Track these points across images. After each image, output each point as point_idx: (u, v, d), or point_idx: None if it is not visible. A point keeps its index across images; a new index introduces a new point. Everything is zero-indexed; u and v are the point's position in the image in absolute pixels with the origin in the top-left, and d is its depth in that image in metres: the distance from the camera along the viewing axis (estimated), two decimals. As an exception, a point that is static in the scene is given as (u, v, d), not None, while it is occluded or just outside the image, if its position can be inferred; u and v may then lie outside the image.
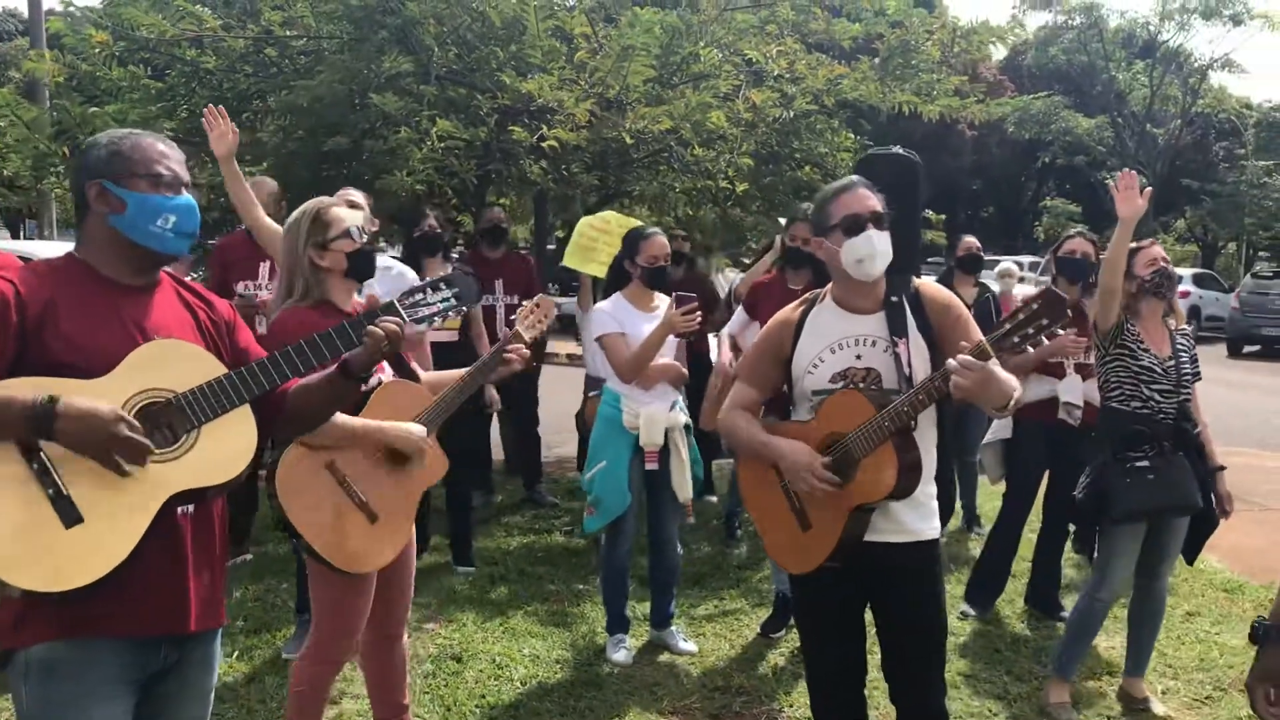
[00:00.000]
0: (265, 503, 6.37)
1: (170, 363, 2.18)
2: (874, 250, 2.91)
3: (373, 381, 3.25)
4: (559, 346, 13.28)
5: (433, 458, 3.38)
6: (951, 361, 2.62)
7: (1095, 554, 4.36)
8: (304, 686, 3.39)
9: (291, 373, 2.29)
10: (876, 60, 7.83)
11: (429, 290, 2.46)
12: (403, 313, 2.40)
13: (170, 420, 2.15)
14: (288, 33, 7.22)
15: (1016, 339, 2.62)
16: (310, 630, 3.40)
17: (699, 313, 4.50)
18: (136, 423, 2.06)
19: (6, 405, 1.98)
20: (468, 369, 3.54)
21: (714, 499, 7.30)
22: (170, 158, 2.29)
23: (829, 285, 3.10)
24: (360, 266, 3.34)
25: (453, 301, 2.47)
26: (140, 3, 7.00)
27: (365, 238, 3.36)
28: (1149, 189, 4.18)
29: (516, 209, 10.11)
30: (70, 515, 2.03)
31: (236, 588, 5.31)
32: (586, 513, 4.78)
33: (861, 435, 2.81)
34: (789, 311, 3.14)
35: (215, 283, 5.68)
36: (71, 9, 8.00)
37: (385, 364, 3.33)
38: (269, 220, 4.56)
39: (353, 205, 4.49)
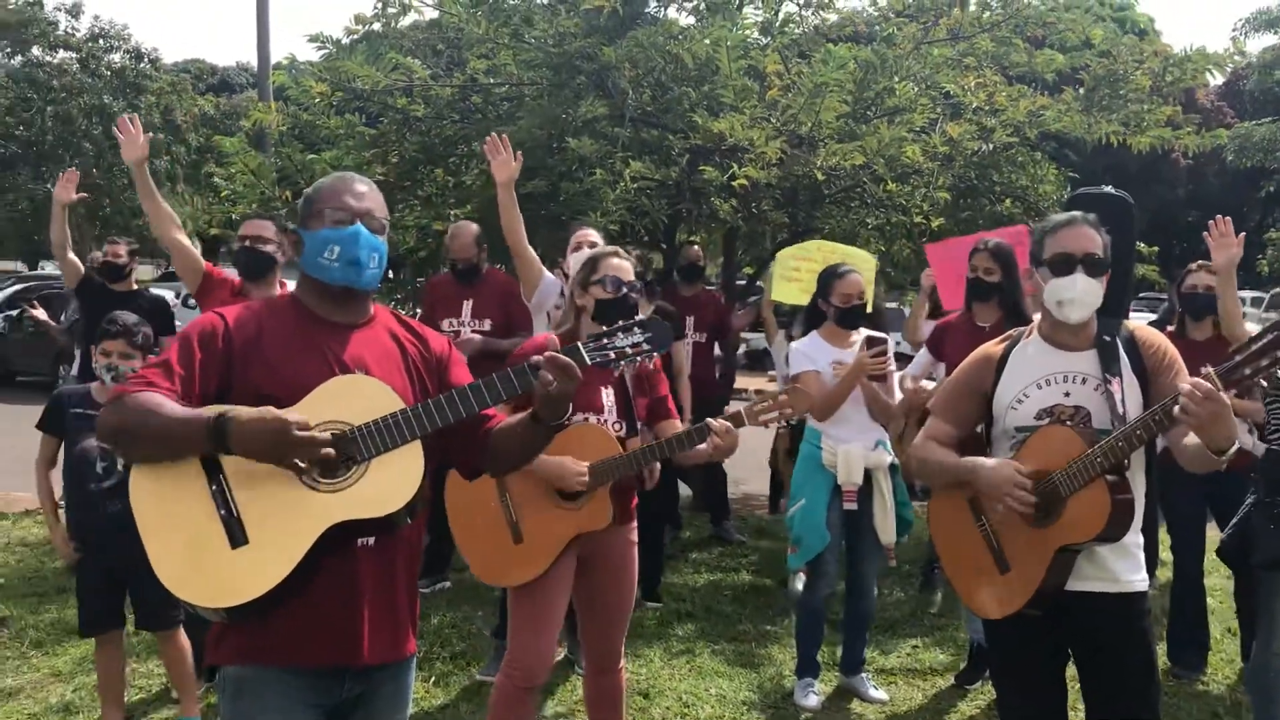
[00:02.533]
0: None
1: (354, 397, 2.24)
2: (1076, 295, 2.80)
3: (576, 419, 3.31)
4: (746, 382, 13.24)
5: (597, 506, 3.42)
6: (1184, 385, 2.47)
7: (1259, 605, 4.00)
8: (499, 704, 3.52)
9: (465, 412, 2.28)
10: (1081, 91, 7.55)
11: (620, 333, 2.40)
12: (585, 354, 2.35)
13: (344, 452, 2.20)
14: (491, 80, 7.52)
15: (1248, 371, 2.46)
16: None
17: (889, 355, 4.42)
18: (307, 423, 2.11)
19: (191, 420, 2.11)
20: (667, 438, 3.48)
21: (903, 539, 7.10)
22: (346, 192, 2.37)
23: (1035, 320, 3.00)
24: (607, 315, 3.43)
25: (645, 346, 2.39)
26: (356, 56, 7.43)
27: (623, 292, 3.48)
28: (1243, 234, 3.95)
29: (706, 247, 10.18)
30: (238, 537, 2.14)
31: (435, 614, 5.49)
32: (790, 550, 4.74)
33: (1070, 472, 2.69)
34: (991, 346, 3.05)
35: (425, 319, 5.97)
36: (295, 63, 8.55)
37: (608, 404, 3.48)
38: (531, 250, 4.74)
39: (593, 247, 4.64)
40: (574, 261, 4.66)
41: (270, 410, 2.10)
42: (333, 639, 2.24)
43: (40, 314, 7.27)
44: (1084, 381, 2.85)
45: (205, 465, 2.15)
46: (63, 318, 8.20)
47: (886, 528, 4.58)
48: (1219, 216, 3.90)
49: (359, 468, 2.21)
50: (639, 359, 2.43)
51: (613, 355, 2.38)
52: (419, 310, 7.16)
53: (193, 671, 4.18)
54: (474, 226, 5.96)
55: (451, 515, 3.53)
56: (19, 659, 4.99)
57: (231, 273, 4.88)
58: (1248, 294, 25.08)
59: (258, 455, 2.11)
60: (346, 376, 2.28)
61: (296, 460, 2.11)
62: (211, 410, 2.12)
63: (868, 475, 4.56)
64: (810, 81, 6.55)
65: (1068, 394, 2.86)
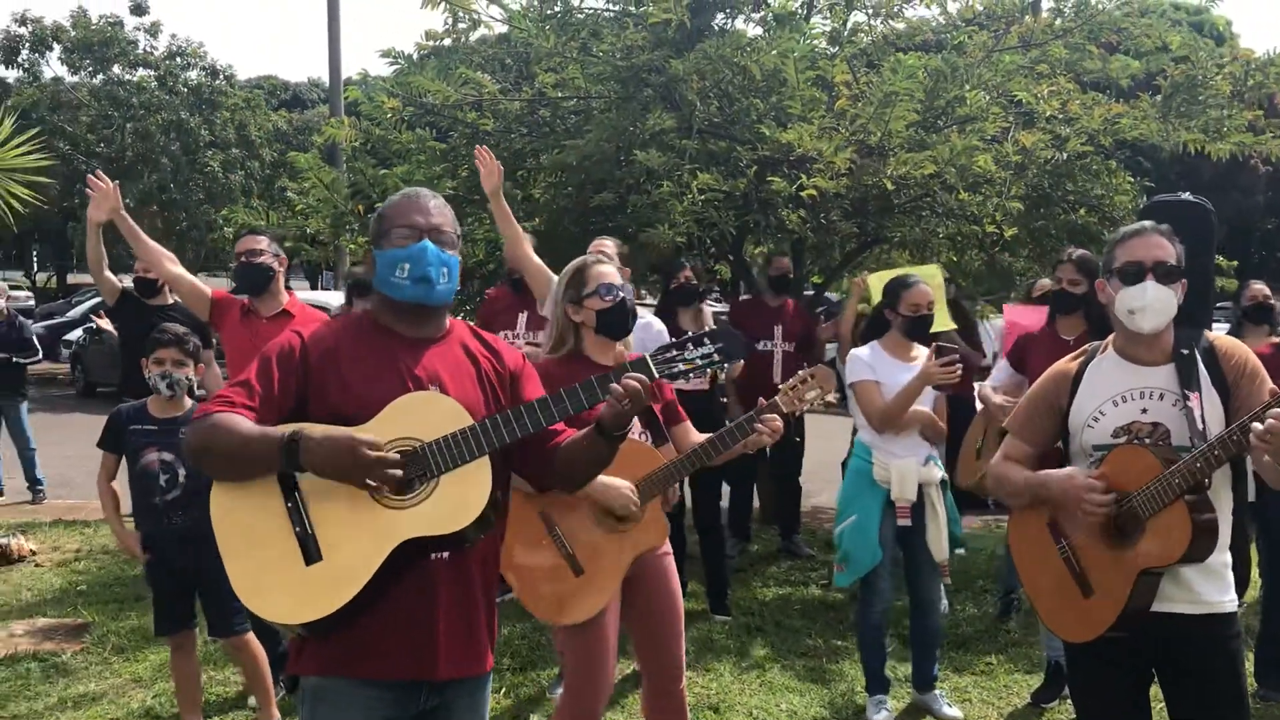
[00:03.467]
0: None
1: (424, 413, 2.26)
2: (1146, 303, 2.74)
3: None
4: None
5: (651, 522, 3.38)
6: (1269, 418, 2.40)
7: None
8: None
9: (534, 427, 2.29)
10: (1158, 97, 7.40)
11: (689, 345, 2.37)
12: (653, 368, 2.33)
13: (415, 468, 2.22)
14: (559, 94, 7.57)
15: None
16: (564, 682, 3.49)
17: (960, 365, 4.34)
18: (378, 444, 2.14)
19: (265, 438, 2.17)
20: (708, 436, 3.43)
21: (961, 551, 6.96)
22: (415, 209, 2.39)
23: (1110, 335, 2.94)
24: (610, 324, 3.41)
25: (715, 358, 2.36)
26: (427, 71, 7.53)
27: (619, 297, 3.39)
28: None
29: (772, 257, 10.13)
30: (312, 554, 2.18)
31: (504, 625, 5.51)
32: (836, 568, 4.68)
33: (1149, 493, 2.62)
34: (1066, 362, 2.99)
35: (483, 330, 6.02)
36: (368, 78, 8.68)
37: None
38: (536, 259, 4.75)
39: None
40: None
41: (341, 430, 2.15)
42: (409, 652, 2.26)
43: (106, 324, 7.44)
44: (1161, 397, 2.78)
45: (281, 482, 2.20)
46: None
47: (940, 544, 4.50)
48: None
49: (429, 484, 2.23)
50: (709, 370, 2.40)
51: (681, 367, 2.36)
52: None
53: (268, 676, 4.25)
54: (529, 236, 5.99)
55: (503, 559, 3.41)
56: (101, 664, 5.11)
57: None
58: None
59: (328, 474, 2.15)
60: (418, 393, 2.30)
61: (367, 480, 2.15)
62: (285, 429, 2.17)
63: (919, 491, 4.49)
64: (880, 91, 6.50)
65: (1145, 410, 2.79)
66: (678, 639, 3.59)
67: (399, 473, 2.16)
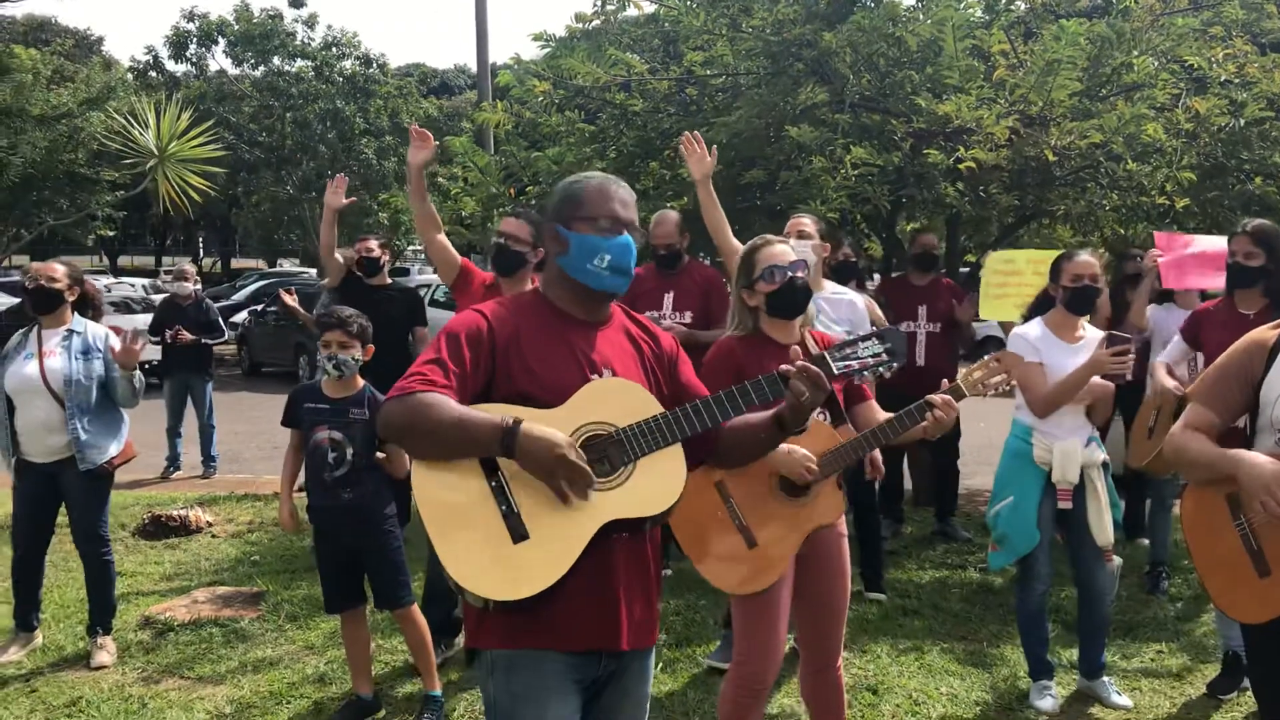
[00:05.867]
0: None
1: (614, 399, 2.33)
2: None
3: None
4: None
5: (828, 497, 3.38)
6: None
7: None
8: (727, 709, 3.50)
9: (722, 417, 2.37)
10: (1347, 57, 6.95)
11: (863, 342, 2.43)
12: (832, 365, 2.39)
13: (610, 452, 2.29)
14: (708, 72, 7.54)
15: None
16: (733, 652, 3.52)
17: (1131, 355, 4.15)
18: (583, 454, 2.21)
19: (484, 422, 2.19)
20: (886, 418, 3.38)
21: (1145, 542, 6.71)
22: (615, 199, 2.42)
23: None
24: (779, 305, 3.45)
25: (885, 358, 2.42)
26: (577, 53, 7.59)
27: (787, 277, 3.41)
28: None
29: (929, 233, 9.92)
30: (519, 532, 2.23)
31: (660, 601, 5.56)
32: (990, 549, 4.57)
33: None
34: (1264, 331, 2.82)
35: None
36: (519, 62, 8.81)
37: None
38: (736, 243, 4.64)
39: (801, 234, 4.59)
40: (796, 249, 4.62)
41: (556, 435, 2.19)
42: (595, 626, 2.31)
43: (292, 300, 7.74)
44: None
45: (483, 463, 2.25)
46: (313, 311, 8.74)
47: (1103, 528, 4.32)
48: None
49: (626, 468, 2.30)
50: (880, 370, 2.44)
51: (856, 365, 2.42)
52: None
53: (431, 647, 4.39)
54: (675, 214, 5.98)
55: (677, 528, 3.45)
56: (276, 631, 5.36)
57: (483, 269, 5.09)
58: None
59: (531, 469, 2.21)
60: (606, 379, 2.37)
61: (563, 484, 2.21)
62: (503, 415, 2.20)
63: (1081, 474, 4.33)
64: (1041, 59, 6.28)
65: None
66: (840, 619, 3.59)
67: (591, 486, 2.23)
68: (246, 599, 5.80)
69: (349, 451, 4.23)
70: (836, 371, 2.39)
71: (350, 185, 21.62)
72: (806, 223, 4.66)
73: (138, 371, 4.88)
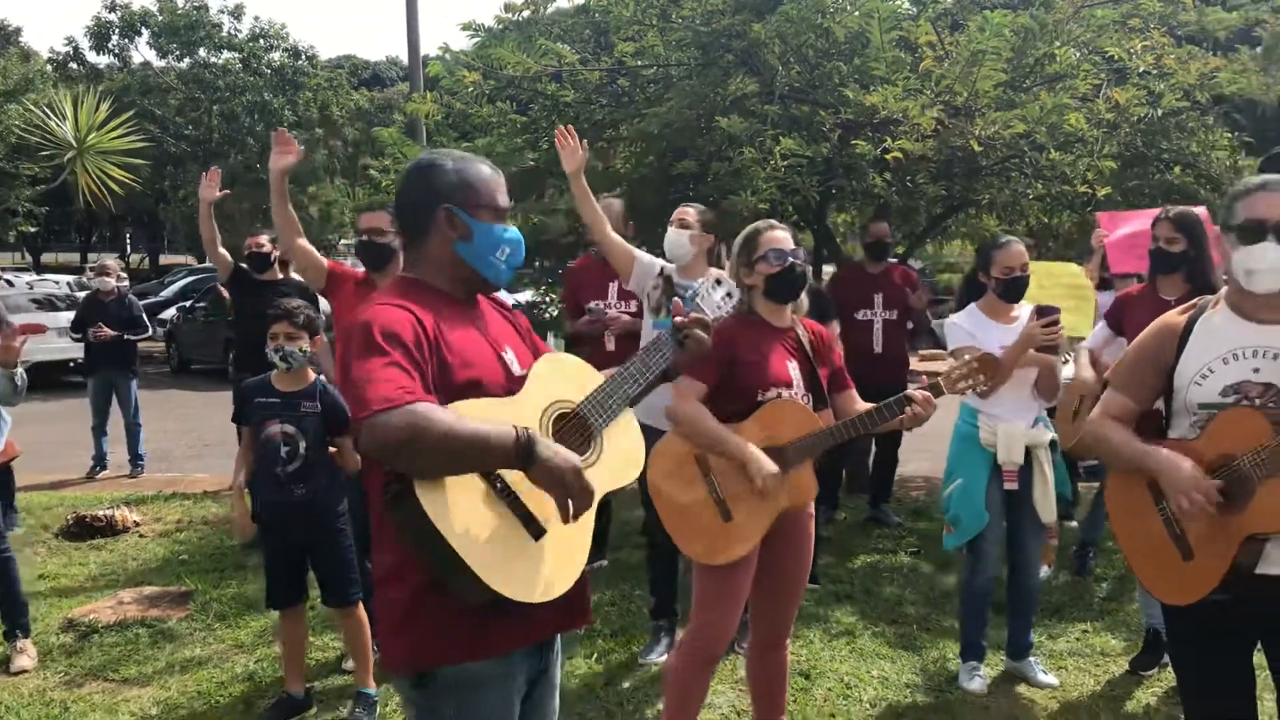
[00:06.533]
0: (620, 513, 6.71)
1: (563, 375, 2.36)
2: (1265, 266, 2.62)
3: (770, 394, 3.43)
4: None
5: (803, 480, 3.44)
6: None
7: None
8: (676, 678, 3.57)
9: (651, 375, 2.45)
10: (1258, 50, 7.13)
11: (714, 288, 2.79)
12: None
13: (583, 430, 2.30)
14: (639, 63, 7.54)
15: None
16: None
17: (1062, 327, 4.25)
18: (591, 484, 2.10)
19: (497, 434, 2.03)
20: (867, 409, 3.45)
21: (1074, 524, 6.86)
22: (502, 189, 2.37)
23: (1222, 291, 2.83)
24: (778, 288, 3.53)
25: (729, 292, 2.82)
26: (508, 43, 7.55)
27: (788, 262, 3.51)
28: None
29: (855, 223, 10.00)
30: (536, 529, 2.15)
31: (594, 593, 5.55)
32: (946, 530, 4.64)
33: (1260, 458, 2.54)
34: (1174, 315, 2.88)
35: (570, 302, 6.05)
36: (449, 52, 8.74)
37: (796, 378, 3.49)
38: (617, 237, 4.76)
39: (682, 224, 4.62)
40: (671, 237, 4.65)
41: (572, 455, 2.09)
42: (563, 606, 2.22)
43: (227, 294, 7.64)
44: (1275, 357, 2.67)
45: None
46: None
47: (1047, 507, 4.43)
48: None
49: (596, 441, 2.32)
50: (733, 299, 2.86)
51: (719, 300, 2.82)
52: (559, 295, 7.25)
53: (370, 644, 4.35)
54: (620, 202, 5.98)
55: (655, 492, 3.52)
56: (204, 631, 5.27)
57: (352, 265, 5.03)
58: None
59: (545, 481, 2.08)
60: (548, 356, 2.41)
61: (570, 501, 2.09)
62: (516, 427, 2.06)
63: (1027, 453, 4.42)
64: (966, 50, 6.37)
65: (1257, 370, 2.69)
66: (796, 598, 3.70)
67: (594, 503, 2.14)
68: (174, 599, 5.70)
69: (301, 445, 4.16)
70: (710, 316, 2.70)
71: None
72: (690, 213, 4.69)
73: (19, 369, 4.71)
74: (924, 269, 16.54)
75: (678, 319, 2.56)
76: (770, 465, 3.33)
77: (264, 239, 6.69)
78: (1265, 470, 2.54)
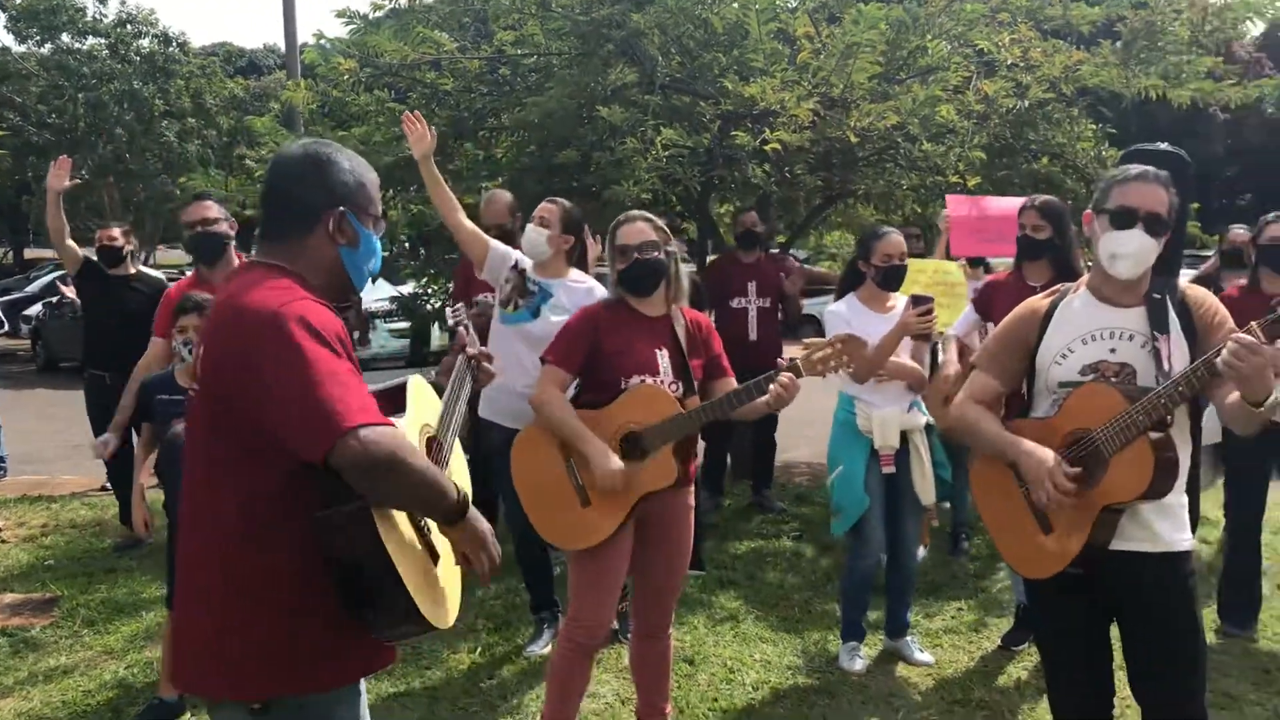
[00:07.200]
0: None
1: (422, 397, 2.40)
2: (1131, 252, 2.75)
3: (634, 380, 3.45)
4: (788, 351, 13.18)
5: (660, 465, 3.45)
6: (1233, 341, 2.43)
7: None
8: (556, 668, 3.60)
9: (462, 405, 2.56)
10: (1118, 44, 7.41)
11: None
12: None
13: (438, 452, 2.37)
14: (519, 52, 7.47)
15: None
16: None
17: (936, 315, 4.36)
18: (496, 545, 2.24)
19: (449, 491, 2.06)
20: (727, 392, 3.51)
21: (946, 505, 7.04)
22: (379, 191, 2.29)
23: (1083, 276, 2.96)
24: (628, 281, 3.58)
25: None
26: (384, 30, 7.41)
27: (633, 258, 3.54)
28: None
29: (739, 214, 10.09)
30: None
31: (479, 587, 5.50)
32: (833, 518, 4.73)
33: (1112, 431, 2.65)
34: (1037, 300, 3.01)
35: (458, 294, 5.99)
36: (323, 41, 8.53)
37: (664, 365, 3.50)
38: (470, 224, 4.67)
39: (542, 221, 4.56)
40: (529, 235, 4.59)
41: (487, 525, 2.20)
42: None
43: (71, 293, 7.36)
44: (1131, 338, 2.80)
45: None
46: None
47: (926, 489, 4.56)
48: None
49: (446, 467, 2.36)
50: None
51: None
52: (450, 286, 7.16)
53: None
54: (507, 195, 5.92)
55: (517, 480, 3.57)
56: (71, 638, 5.07)
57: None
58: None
59: (465, 541, 2.17)
60: (415, 378, 2.42)
61: (484, 560, 2.21)
62: (458, 489, 2.09)
63: (904, 438, 4.54)
64: (841, 42, 6.47)
65: (1113, 350, 2.82)
66: (675, 587, 3.74)
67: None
68: (37, 606, 5.47)
69: None
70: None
71: (151, 169, 20.46)
72: (552, 211, 4.60)
73: None
74: (807, 259, 16.79)
75: (469, 350, 2.62)
76: (614, 463, 3.37)
77: (115, 231, 6.45)
78: (1118, 443, 2.65)
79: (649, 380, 3.48)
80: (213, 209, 4.51)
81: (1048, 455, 2.76)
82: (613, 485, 3.36)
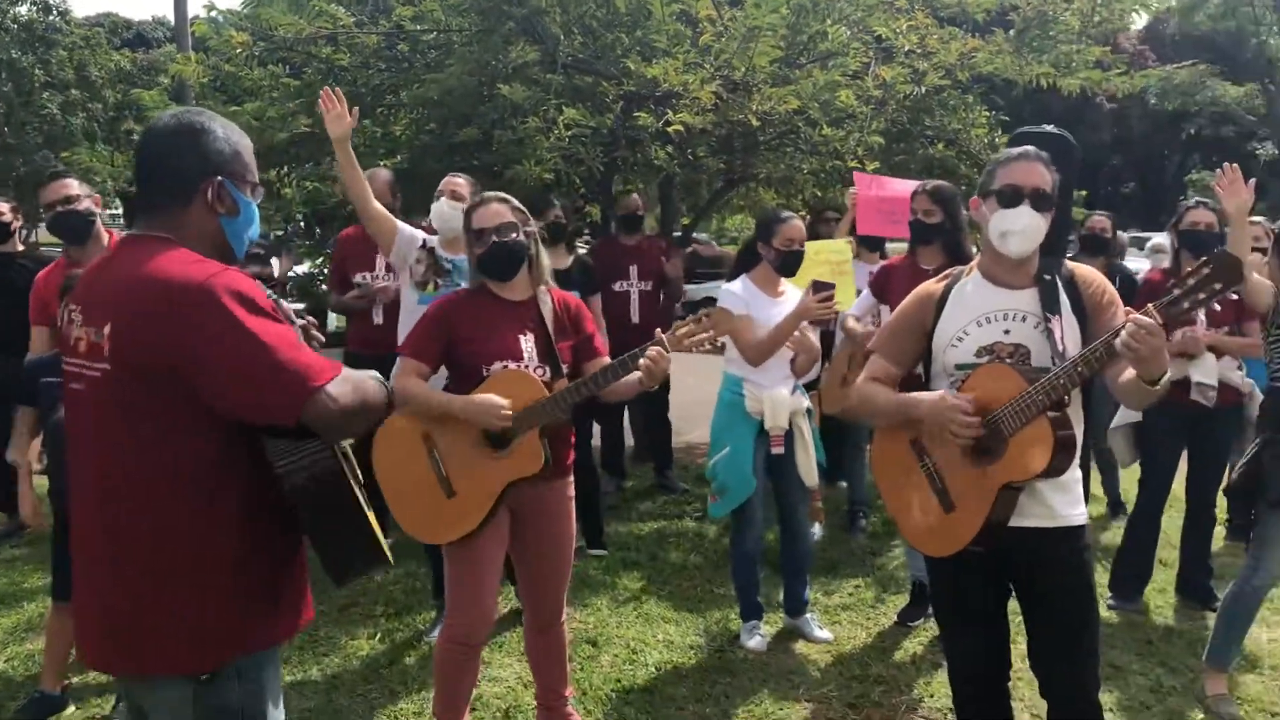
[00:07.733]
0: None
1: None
2: (1020, 228, 2.82)
3: (495, 367, 3.36)
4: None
5: (525, 451, 3.35)
6: (1130, 323, 2.49)
7: (1250, 540, 4.15)
8: (440, 666, 3.52)
9: None
10: (1011, 33, 7.57)
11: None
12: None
13: None
14: (418, 27, 7.34)
15: (1186, 304, 2.49)
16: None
17: (836, 301, 4.40)
18: None
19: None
20: (595, 371, 3.42)
21: (844, 484, 7.16)
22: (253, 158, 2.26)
23: (975, 259, 3.02)
24: (486, 265, 3.49)
25: None
26: (278, 3, 7.21)
27: (489, 241, 3.44)
28: (1254, 180, 4.01)
29: (644, 197, 10.09)
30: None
31: (379, 571, 5.43)
32: (710, 499, 4.74)
33: (1012, 410, 2.71)
34: (931, 284, 3.06)
35: (336, 274, 5.88)
36: (214, 13, 8.27)
37: (527, 350, 3.42)
38: (380, 207, 4.59)
39: (455, 195, 4.53)
40: (434, 211, 4.59)
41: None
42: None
43: None
44: (1024, 319, 2.87)
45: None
46: None
47: (810, 470, 4.62)
48: (1227, 164, 3.96)
49: None
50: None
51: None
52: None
53: None
54: (388, 172, 5.82)
55: (380, 474, 3.42)
56: (-54, 631, 4.86)
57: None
58: (1165, 237, 25.45)
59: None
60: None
61: None
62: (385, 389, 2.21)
63: (790, 420, 4.58)
64: (743, 26, 6.49)
65: (1007, 331, 2.88)
66: (561, 579, 3.64)
67: None
68: (-90, 599, 5.22)
69: None
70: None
71: (32, 142, 19.61)
72: (462, 184, 4.59)
73: None
74: (709, 241, 16.87)
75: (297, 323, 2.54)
76: (499, 400, 3.28)
77: (4, 207, 6.17)
78: (1018, 422, 2.71)
79: (510, 366, 3.38)
80: (73, 186, 4.30)
81: (942, 393, 2.82)
82: (498, 417, 3.25)
